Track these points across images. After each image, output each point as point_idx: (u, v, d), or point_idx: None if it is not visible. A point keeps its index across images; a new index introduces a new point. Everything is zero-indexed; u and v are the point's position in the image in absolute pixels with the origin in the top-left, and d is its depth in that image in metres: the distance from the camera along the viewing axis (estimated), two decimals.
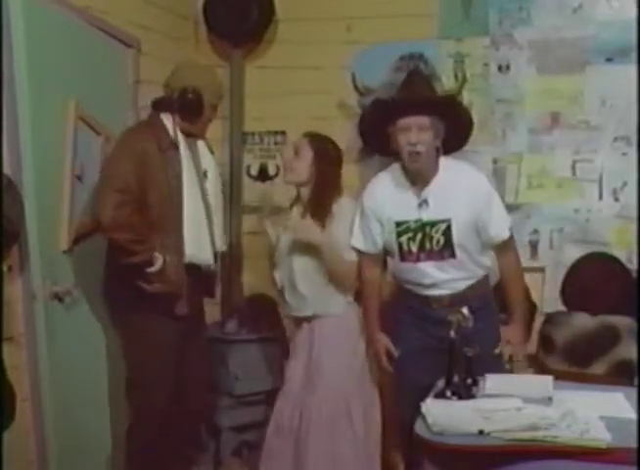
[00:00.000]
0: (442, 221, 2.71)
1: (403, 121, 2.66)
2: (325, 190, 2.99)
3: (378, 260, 2.92)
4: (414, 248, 2.75)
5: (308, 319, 3.03)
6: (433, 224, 2.71)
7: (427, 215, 2.72)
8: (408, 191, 2.76)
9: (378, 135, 2.80)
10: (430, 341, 2.73)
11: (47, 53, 2.73)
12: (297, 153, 3.03)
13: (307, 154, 3.00)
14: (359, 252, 2.91)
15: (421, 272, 2.77)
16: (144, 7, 3.45)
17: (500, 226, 2.78)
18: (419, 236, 2.73)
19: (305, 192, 3.03)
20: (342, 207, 2.99)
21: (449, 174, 2.74)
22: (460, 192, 2.71)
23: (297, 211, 3.08)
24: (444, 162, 2.77)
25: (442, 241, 2.71)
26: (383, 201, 2.81)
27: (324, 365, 2.98)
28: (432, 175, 2.74)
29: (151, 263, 2.77)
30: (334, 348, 2.98)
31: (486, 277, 2.85)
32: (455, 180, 2.74)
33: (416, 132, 2.64)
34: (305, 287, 2.99)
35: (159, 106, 2.95)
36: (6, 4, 2.52)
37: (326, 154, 3.02)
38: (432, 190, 2.73)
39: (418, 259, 2.76)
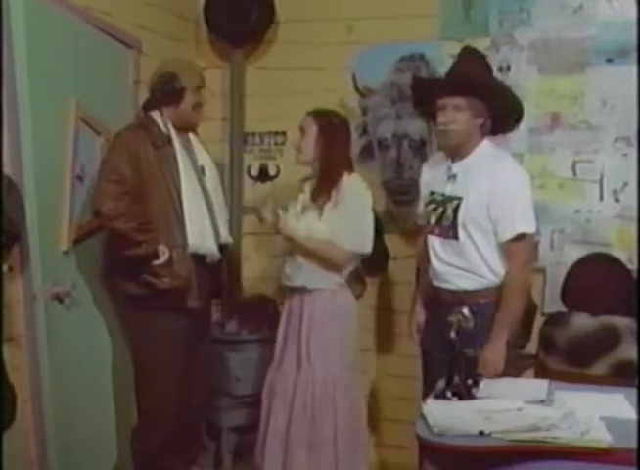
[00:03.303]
0: (456, 198, 2.73)
1: (441, 101, 2.72)
2: (332, 162, 3.02)
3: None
4: (433, 219, 2.79)
5: (301, 291, 3.04)
6: (450, 199, 2.75)
7: (451, 190, 2.76)
8: (445, 164, 2.82)
9: (427, 107, 2.85)
10: (438, 339, 2.73)
11: (48, 53, 2.73)
12: (302, 132, 3.06)
13: (312, 129, 3.03)
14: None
15: (431, 246, 2.81)
16: (144, 8, 3.46)
17: (508, 223, 2.67)
18: (440, 210, 2.77)
19: (316, 168, 3.06)
20: (351, 182, 3.01)
21: (484, 157, 2.74)
22: (483, 175, 2.70)
23: (308, 186, 3.10)
24: (487, 146, 2.77)
25: (451, 218, 2.72)
26: (428, 170, 2.96)
27: (312, 344, 3.00)
28: (467, 153, 2.75)
29: (156, 256, 2.78)
30: (322, 327, 3.00)
31: (499, 287, 2.75)
32: (485, 163, 2.73)
33: (451, 112, 2.69)
34: (303, 258, 3.02)
35: (147, 105, 3.00)
36: (7, 4, 2.52)
37: (330, 127, 3.05)
38: (462, 167, 2.76)
39: (432, 232, 2.80)
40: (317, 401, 2.98)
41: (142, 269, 2.80)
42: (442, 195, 2.79)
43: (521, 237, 2.68)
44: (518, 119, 2.84)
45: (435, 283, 2.83)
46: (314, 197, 3.03)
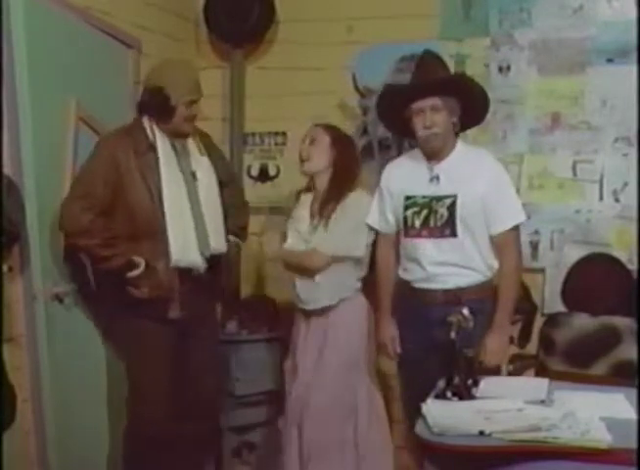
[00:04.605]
0: (449, 196, 2.72)
1: (416, 105, 2.71)
2: (345, 173, 3.01)
3: (391, 241, 2.93)
4: (417, 223, 2.77)
5: (319, 312, 3.02)
6: (439, 199, 2.74)
7: (436, 191, 2.75)
8: (422, 167, 2.80)
9: (396, 119, 2.83)
10: (426, 343, 2.74)
11: (48, 53, 2.73)
12: (312, 141, 3.03)
13: (324, 139, 3.02)
14: (376, 231, 2.97)
15: (419, 249, 2.77)
16: (145, 8, 3.46)
17: (501, 217, 2.74)
18: (425, 212, 2.75)
19: (321, 180, 3.03)
20: (357, 195, 3.00)
21: (465, 154, 2.78)
22: (471, 171, 2.73)
23: (306, 199, 3.08)
24: (461, 144, 2.81)
25: (446, 216, 2.72)
26: (396, 176, 2.88)
27: (334, 352, 2.98)
28: (447, 152, 2.77)
29: (131, 268, 2.74)
30: (343, 334, 2.99)
31: (491, 283, 2.80)
32: (469, 160, 2.77)
33: (430, 114, 2.69)
34: (320, 275, 2.99)
35: (139, 108, 2.91)
36: (7, 4, 2.52)
37: (341, 138, 3.06)
38: (445, 166, 2.76)
39: (419, 235, 2.77)
40: (339, 407, 2.97)
41: (124, 280, 2.76)
42: (424, 197, 2.77)
43: (515, 227, 2.78)
44: (485, 110, 2.85)
45: (420, 285, 2.81)
46: (321, 211, 3.00)
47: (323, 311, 3.02)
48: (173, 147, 2.89)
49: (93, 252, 2.74)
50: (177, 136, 2.90)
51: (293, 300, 3.14)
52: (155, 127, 2.85)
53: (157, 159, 2.82)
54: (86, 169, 2.79)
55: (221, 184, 3.06)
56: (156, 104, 2.81)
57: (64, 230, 2.76)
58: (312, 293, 3.01)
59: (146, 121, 2.86)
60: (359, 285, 3.05)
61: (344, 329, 2.99)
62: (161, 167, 2.81)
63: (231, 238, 3.09)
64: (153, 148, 2.83)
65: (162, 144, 2.85)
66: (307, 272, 2.98)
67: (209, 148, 3.08)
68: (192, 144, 2.98)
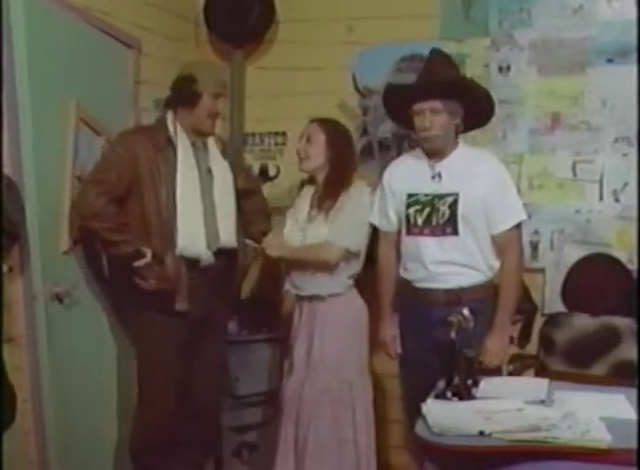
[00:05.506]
0: (450, 194, 2.73)
1: (416, 106, 2.73)
2: (341, 170, 3.03)
3: (392, 240, 2.94)
4: (420, 221, 2.77)
5: (310, 299, 3.04)
6: (441, 197, 2.74)
7: (438, 189, 2.76)
8: (424, 165, 2.81)
9: (402, 114, 2.85)
10: (426, 343, 2.74)
11: (48, 53, 2.73)
12: (308, 139, 3.06)
13: (320, 137, 3.04)
14: (376, 229, 2.98)
15: (421, 247, 2.77)
16: (145, 8, 3.46)
17: (502, 216, 2.75)
18: (427, 210, 2.76)
19: (320, 176, 3.06)
20: (357, 188, 3.02)
21: (467, 154, 2.80)
22: (473, 171, 2.75)
23: (307, 191, 3.11)
24: (465, 145, 2.83)
25: (447, 214, 2.72)
26: (398, 174, 2.90)
27: (325, 348, 2.99)
28: (449, 151, 2.78)
29: (139, 257, 2.77)
30: (335, 331, 2.99)
31: (491, 283, 2.81)
32: (471, 159, 2.78)
33: (429, 116, 2.70)
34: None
35: (165, 103, 2.99)
36: (7, 4, 2.52)
37: (337, 135, 3.08)
38: (446, 165, 2.77)
39: (421, 233, 2.77)
40: (335, 405, 2.97)
41: (133, 272, 2.79)
42: (427, 195, 2.78)
43: (516, 226, 2.79)
44: (490, 113, 2.86)
45: (422, 285, 2.81)
46: (320, 204, 3.02)
47: (313, 303, 3.03)
48: (193, 144, 2.95)
49: (103, 235, 2.79)
50: (199, 134, 2.95)
51: (288, 287, 3.15)
52: (177, 124, 2.91)
53: (175, 153, 2.88)
54: (103, 159, 2.88)
55: (246, 192, 3.18)
56: (183, 90, 2.89)
57: (78, 214, 2.80)
58: (305, 280, 3.04)
59: (170, 118, 2.93)
60: (350, 282, 3.05)
61: (334, 325, 2.99)
62: (178, 161, 2.87)
63: (251, 242, 3.16)
64: (172, 143, 2.89)
65: (182, 140, 2.91)
66: (322, 267, 2.98)
67: (233, 156, 3.18)
68: (213, 144, 3.03)
